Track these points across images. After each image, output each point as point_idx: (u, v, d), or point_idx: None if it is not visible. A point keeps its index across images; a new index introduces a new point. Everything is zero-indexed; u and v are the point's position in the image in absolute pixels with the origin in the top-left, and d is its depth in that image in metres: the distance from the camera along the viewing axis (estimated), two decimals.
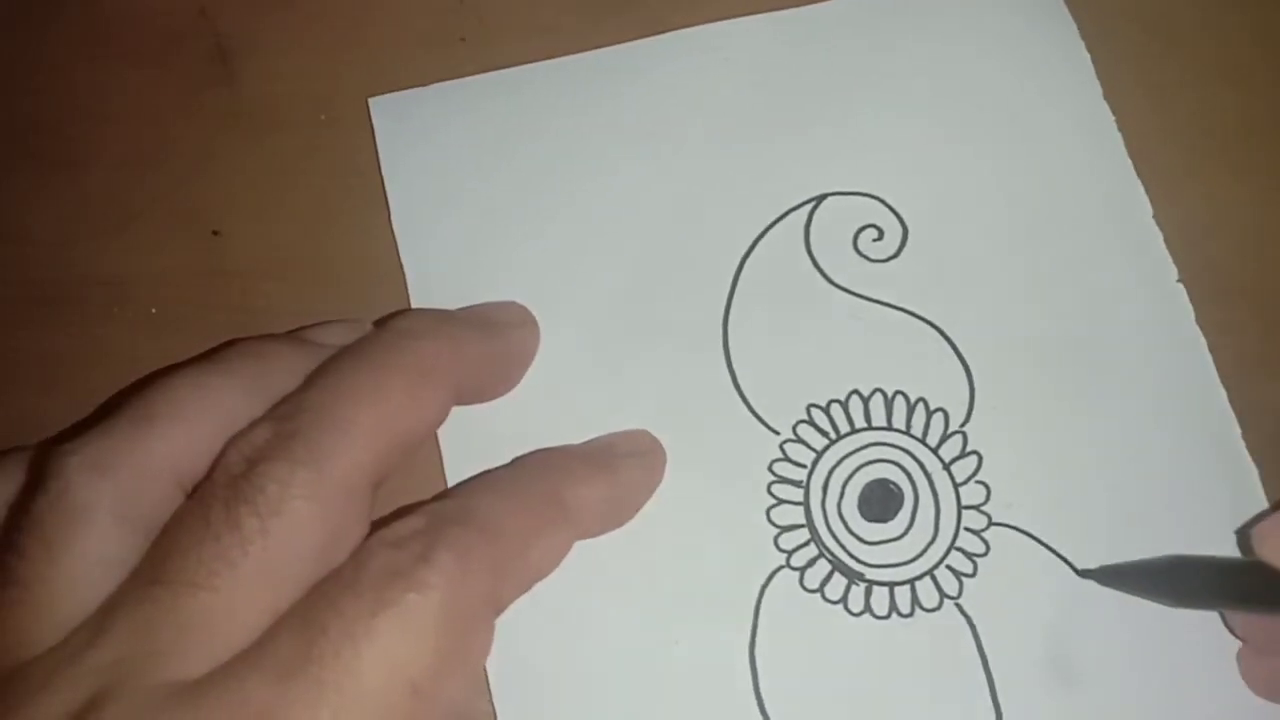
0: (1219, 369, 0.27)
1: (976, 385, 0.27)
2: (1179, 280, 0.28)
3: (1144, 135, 0.29)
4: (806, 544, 0.26)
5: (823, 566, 0.26)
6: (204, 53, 0.30)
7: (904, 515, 0.26)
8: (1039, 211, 0.29)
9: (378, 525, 0.21)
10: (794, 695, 0.25)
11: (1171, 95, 0.30)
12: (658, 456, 0.26)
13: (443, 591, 0.19)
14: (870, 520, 0.26)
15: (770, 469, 0.27)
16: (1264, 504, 0.26)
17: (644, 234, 0.28)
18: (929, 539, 0.26)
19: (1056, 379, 0.27)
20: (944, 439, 0.27)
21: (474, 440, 0.26)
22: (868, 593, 0.26)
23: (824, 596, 0.26)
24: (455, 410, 0.23)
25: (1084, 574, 0.25)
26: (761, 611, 0.25)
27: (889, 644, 0.25)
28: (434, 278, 0.28)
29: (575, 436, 0.26)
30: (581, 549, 0.23)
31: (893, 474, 0.27)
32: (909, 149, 0.29)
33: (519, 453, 0.26)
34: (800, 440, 0.27)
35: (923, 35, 0.30)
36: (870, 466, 0.27)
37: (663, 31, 0.30)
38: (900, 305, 0.28)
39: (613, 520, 0.25)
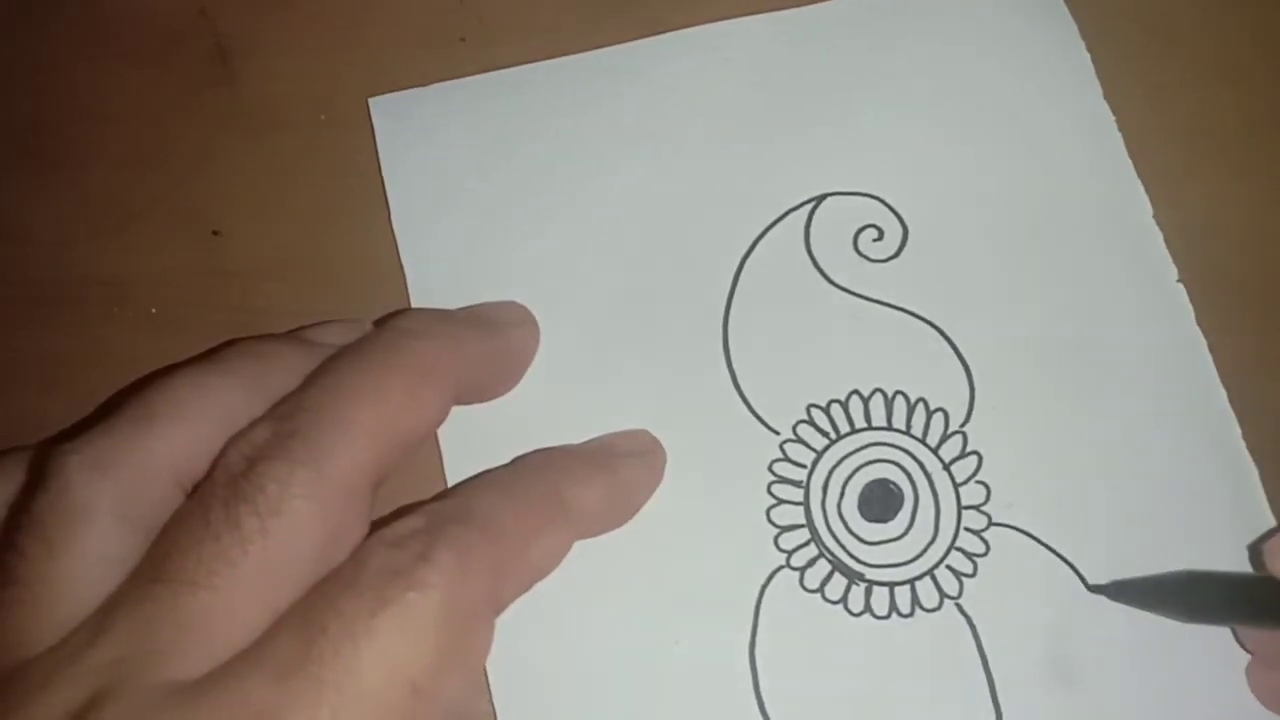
0: (1219, 369, 0.27)
1: (976, 385, 0.27)
2: (1179, 280, 0.28)
3: (1144, 135, 0.29)
4: (806, 544, 0.26)
5: (823, 566, 0.26)
6: (204, 53, 0.30)
7: (904, 515, 0.26)
8: (1039, 211, 0.29)
9: (378, 525, 0.21)
10: (794, 695, 0.25)
11: (1171, 95, 0.30)
12: (658, 456, 0.26)
13: (443, 591, 0.19)
14: (870, 520, 0.26)
15: (770, 469, 0.27)
16: (1264, 504, 0.26)
17: (644, 234, 0.28)
18: (929, 539, 0.26)
19: (1056, 379, 0.27)
20: (944, 439, 0.27)
21: (474, 440, 0.26)
22: (868, 593, 0.26)
23: (824, 596, 0.26)
24: (455, 410, 0.23)
25: (1095, 589, 0.25)
26: (761, 611, 0.25)
27: (889, 644, 0.25)
28: (434, 278, 0.28)
29: (575, 436, 0.26)
30: (581, 549, 0.23)
31: (893, 474, 0.27)
32: (909, 149, 0.29)
33: (519, 453, 0.26)
34: (800, 440, 0.27)
35: (923, 35, 0.30)
36: (870, 466, 0.27)
37: (663, 31, 0.30)
38: (900, 305, 0.28)
39: (613, 520, 0.25)
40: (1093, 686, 0.25)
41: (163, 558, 0.19)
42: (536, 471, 0.25)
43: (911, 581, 0.26)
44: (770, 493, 0.26)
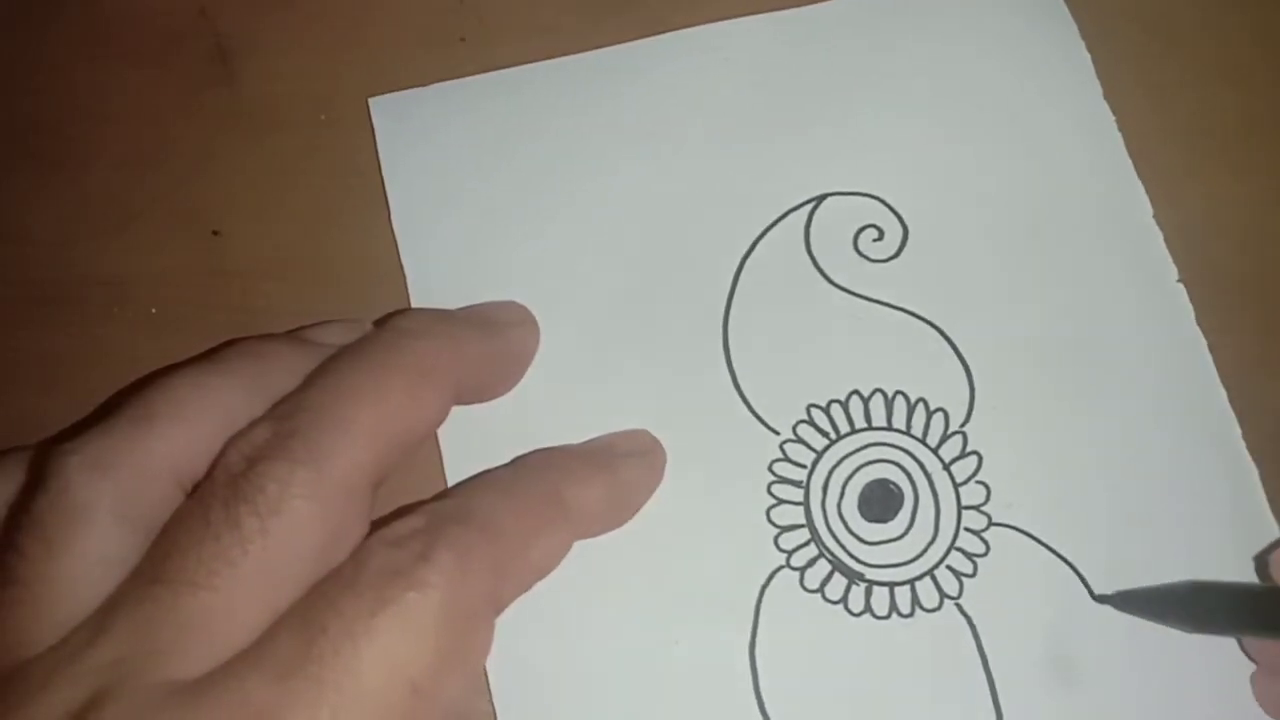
0: (1219, 369, 0.27)
1: (976, 385, 0.27)
2: (1179, 280, 0.28)
3: (1144, 135, 0.29)
4: (806, 544, 0.26)
5: (823, 566, 0.26)
6: (204, 53, 0.30)
7: (904, 515, 0.26)
8: (1039, 211, 0.29)
9: (378, 525, 0.21)
10: (794, 695, 0.25)
11: (1171, 95, 0.30)
12: (658, 456, 0.26)
13: (443, 590, 0.19)
14: (870, 520, 0.26)
15: (770, 469, 0.27)
16: (1264, 504, 0.26)
17: (644, 234, 0.28)
18: (929, 539, 0.26)
19: (1056, 379, 0.27)
20: (944, 439, 0.27)
21: (474, 440, 0.26)
22: (868, 593, 0.26)
23: (824, 596, 0.26)
24: (455, 410, 0.23)
25: (1101, 599, 0.25)
26: (761, 611, 0.25)
27: (889, 644, 0.25)
28: (434, 278, 0.28)
29: (575, 436, 0.26)
30: (581, 549, 0.23)
31: (893, 474, 0.27)
32: (909, 149, 0.29)
33: (519, 453, 0.26)
34: (800, 440, 0.27)
35: (923, 35, 0.30)
36: (870, 467, 0.27)
37: (663, 31, 0.30)
38: (900, 305, 0.28)
39: (613, 520, 0.25)
40: (1093, 687, 0.25)
41: (163, 558, 0.19)
42: (536, 471, 0.25)
43: (911, 581, 0.26)
44: (770, 493, 0.26)
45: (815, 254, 0.28)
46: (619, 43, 0.30)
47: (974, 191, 0.29)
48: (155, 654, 0.18)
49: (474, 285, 0.28)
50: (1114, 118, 0.29)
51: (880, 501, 0.27)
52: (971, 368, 0.27)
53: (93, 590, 0.19)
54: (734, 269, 0.28)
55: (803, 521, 0.26)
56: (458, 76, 0.29)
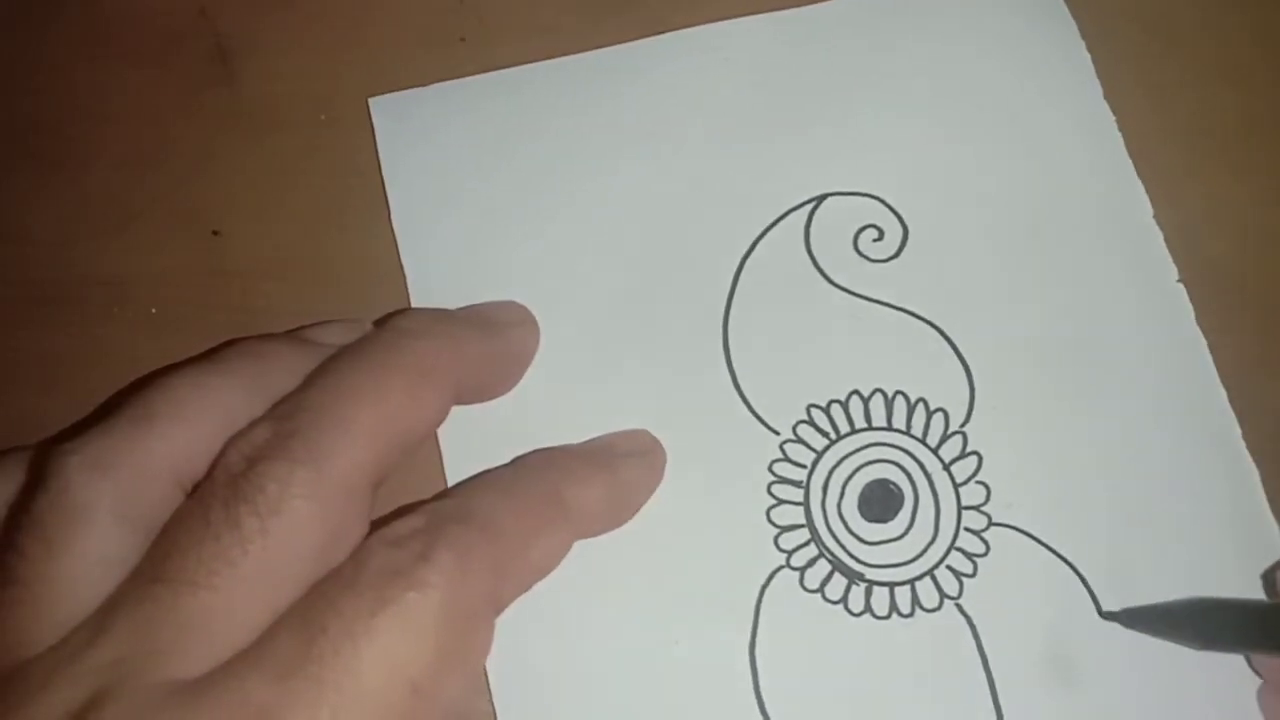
0: (1219, 369, 0.27)
1: (976, 385, 0.27)
2: (1179, 280, 0.28)
3: (1144, 135, 0.29)
4: (806, 544, 0.26)
5: (823, 566, 0.26)
6: (204, 53, 0.30)
7: (904, 515, 0.26)
8: (1039, 211, 0.29)
9: (378, 525, 0.21)
10: (794, 695, 0.25)
11: (1171, 95, 0.30)
12: (658, 456, 0.26)
13: (443, 590, 0.19)
14: (870, 520, 0.26)
15: (770, 469, 0.27)
16: (1264, 504, 0.26)
17: (644, 234, 0.28)
18: (929, 539, 0.26)
19: (1056, 379, 0.27)
20: (944, 439, 0.27)
21: (474, 440, 0.26)
22: (868, 593, 0.26)
23: (824, 596, 0.26)
24: (455, 410, 0.23)
25: (1108, 616, 0.25)
26: (761, 611, 0.25)
27: (889, 644, 0.25)
28: (434, 278, 0.28)
29: (575, 436, 0.26)
30: (581, 549, 0.23)
31: (893, 474, 0.27)
32: (909, 149, 0.29)
33: (519, 453, 0.26)
34: (800, 440, 0.27)
35: (923, 35, 0.30)
36: (870, 467, 0.27)
37: (663, 31, 0.30)
38: (900, 305, 0.28)
39: (613, 520, 0.25)
40: (1093, 687, 0.25)
41: (163, 558, 0.19)
42: (536, 471, 0.25)
43: (911, 581, 0.26)
44: (770, 493, 0.26)
45: (815, 254, 0.28)
46: (619, 43, 0.30)
47: (974, 191, 0.29)
48: (155, 654, 0.18)
49: (474, 285, 0.28)
50: (1114, 118, 0.29)
51: (880, 501, 0.27)
52: (971, 368, 0.27)
53: (93, 590, 0.19)
54: (734, 269, 0.28)
55: (803, 521, 0.26)
56: (458, 76, 0.29)
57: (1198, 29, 0.31)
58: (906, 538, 0.26)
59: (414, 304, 0.28)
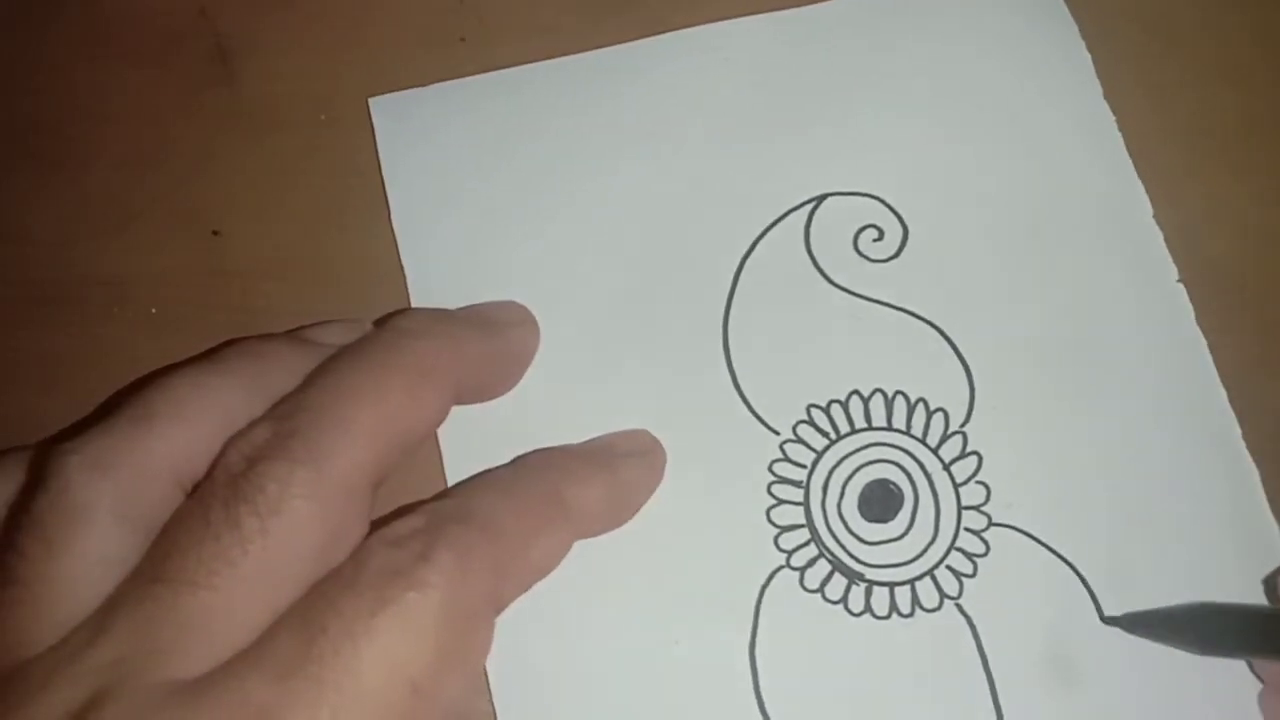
0: (1219, 369, 0.27)
1: (976, 385, 0.27)
2: (1179, 280, 0.28)
3: (1144, 135, 0.29)
4: (806, 544, 0.26)
5: (823, 566, 0.26)
6: (204, 53, 0.30)
7: (904, 515, 0.26)
8: (1039, 211, 0.29)
9: (378, 525, 0.21)
10: (794, 695, 0.25)
11: (1171, 95, 0.30)
12: (658, 456, 0.26)
13: (443, 590, 0.19)
14: (870, 520, 0.26)
15: (770, 469, 0.27)
16: (1264, 504, 0.26)
17: (644, 234, 0.28)
18: (929, 539, 0.26)
19: (1056, 379, 0.27)
20: (944, 439, 0.27)
21: (474, 440, 0.26)
22: (868, 593, 0.26)
23: (824, 596, 0.26)
24: (455, 410, 0.23)
25: (1109, 621, 0.25)
26: (761, 611, 0.25)
27: (889, 644, 0.25)
28: (434, 278, 0.28)
29: (575, 436, 0.26)
30: (581, 549, 0.23)
31: (893, 474, 0.27)
32: (909, 149, 0.29)
33: (519, 453, 0.26)
34: (800, 440, 0.27)
35: (923, 35, 0.30)
36: (870, 467, 0.27)
37: (663, 31, 0.30)
38: (900, 305, 0.28)
39: (613, 520, 0.25)
40: (1093, 687, 0.25)
41: (163, 558, 0.19)
42: (536, 471, 0.25)
43: (911, 582, 0.26)
44: (770, 493, 0.26)
45: (815, 254, 0.28)
46: (619, 43, 0.30)
47: (974, 191, 0.29)
48: (155, 654, 0.18)
49: (474, 285, 0.28)
50: (1114, 118, 0.29)
51: (880, 501, 0.27)
52: (971, 368, 0.27)
53: (93, 590, 0.19)
54: (734, 269, 0.28)
55: (803, 521, 0.26)
56: (458, 76, 0.29)
57: (1198, 29, 0.31)
58: (906, 538, 0.26)
59: (414, 304, 0.28)
